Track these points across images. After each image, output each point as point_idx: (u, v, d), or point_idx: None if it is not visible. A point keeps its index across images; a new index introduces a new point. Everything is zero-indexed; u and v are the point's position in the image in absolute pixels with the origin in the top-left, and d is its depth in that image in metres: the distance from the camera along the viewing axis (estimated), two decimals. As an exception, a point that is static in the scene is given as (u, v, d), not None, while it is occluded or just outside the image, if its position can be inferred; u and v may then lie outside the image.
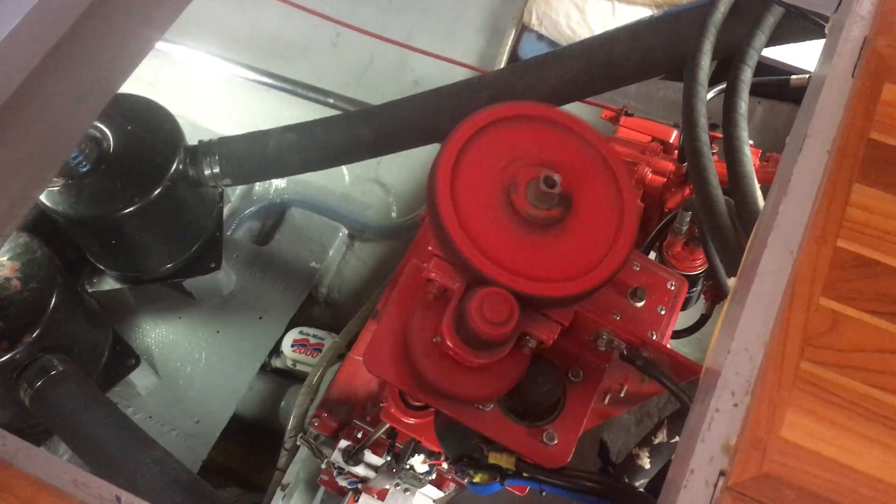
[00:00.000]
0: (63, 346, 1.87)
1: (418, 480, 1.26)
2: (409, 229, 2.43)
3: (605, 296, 1.04)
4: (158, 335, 2.29)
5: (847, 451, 0.69)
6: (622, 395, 1.10)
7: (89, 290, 2.20)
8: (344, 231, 2.47)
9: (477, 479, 1.10)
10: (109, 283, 2.21)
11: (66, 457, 2.07)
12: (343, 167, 2.52)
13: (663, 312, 1.07)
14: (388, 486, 1.74)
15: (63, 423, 1.72)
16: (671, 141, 1.75)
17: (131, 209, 1.89)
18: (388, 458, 1.31)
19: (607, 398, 1.11)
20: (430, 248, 0.96)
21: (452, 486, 1.83)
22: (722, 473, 0.70)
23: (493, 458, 1.01)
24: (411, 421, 1.22)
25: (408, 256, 1.24)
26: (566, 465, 1.01)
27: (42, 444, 2.00)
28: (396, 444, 1.35)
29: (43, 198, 1.88)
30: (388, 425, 1.37)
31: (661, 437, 1.04)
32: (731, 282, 0.96)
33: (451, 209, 0.90)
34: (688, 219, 1.51)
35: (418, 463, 1.25)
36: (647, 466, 1.06)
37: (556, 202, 0.93)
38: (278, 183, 2.56)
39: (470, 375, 0.96)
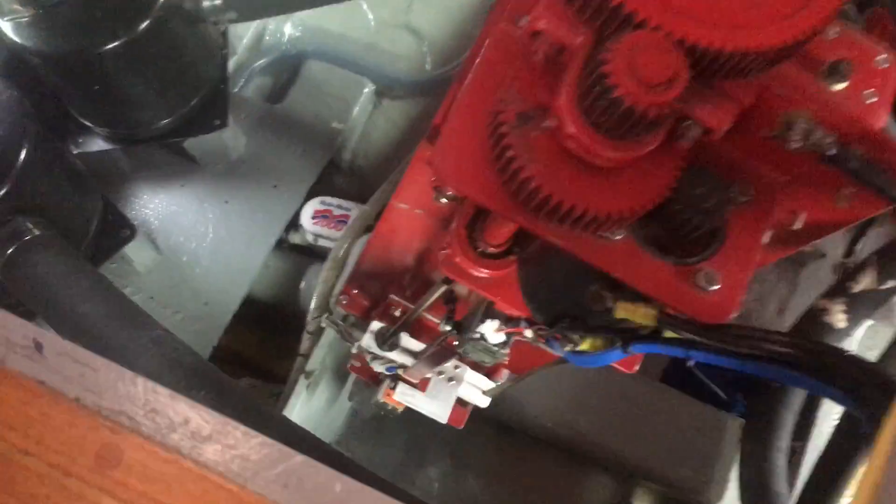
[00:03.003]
0: (40, 209, 1.56)
1: (491, 354, 0.95)
2: (446, 83, 2.07)
3: (789, 72, 0.70)
4: (158, 205, 1.97)
5: None
6: (795, 227, 0.77)
7: (75, 152, 1.87)
8: (370, 86, 2.10)
9: (585, 347, 0.79)
10: (98, 144, 1.88)
11: (55, 342, 1.80)
12: (368, 10, 2.14)
13: (874, 100, 0.73)
14: (429, 375, 1.45)
15: (39, 297, 1.42)
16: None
17: (114, 45, 1.57)
18: (448, 328, 1.00)
19: (769, 236, 0.78)
20: (534, -11, 0.62)
21: (506, 375, 1.55)
22: None
23: (624, 312, 0.69)
24: (483, 273, 0.90)
25: (483, 34, 0.88)
26: (728, 323, 0.69)
27: (24, 325, 1.71)
28: (455, 309, 1.04)
29: (10, 32, 1.55)
30: (444, 289, 1.06)
31: (864, 282, 0.72)
32: None
33: None
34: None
35: (491, 331, 0.94)
36: (842, 325, 0.73)
37: None
38: (292, 31, 2.18)
39: (598, 180, 0.63)
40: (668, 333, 0.69)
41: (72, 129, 1.88)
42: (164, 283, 1.90)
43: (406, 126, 2.09)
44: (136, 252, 1.85)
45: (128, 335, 1.36)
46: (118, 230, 1.81)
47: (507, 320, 0.93)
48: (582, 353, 0.79)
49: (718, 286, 0.68)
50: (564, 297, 0.80)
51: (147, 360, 1.31)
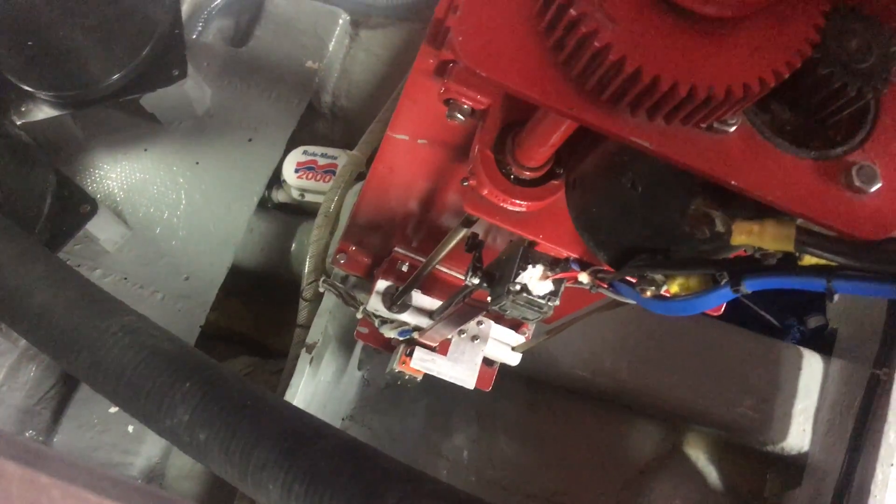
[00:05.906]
0: (-21, 191, 1.35)
1: (536, 308, 0.75)
2: (431, 5, 1.83)
3: None
4: (121, 175, 1.75)
5: None
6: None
7: (18, 123, 1.64)
8: (345, 16, 1.87)
9: (674, 289, 0.58)
10: (44, 111, 1.65)
11: (21, 343, 1.59)
12: (333, -71, 1.89)
13: None
14: (449, 336, 1.26)
15: (-13, 291, 1.21)
16: None
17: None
18: (476, 281, 0.80)
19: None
20: None
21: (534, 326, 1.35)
22: None
23: (744, 235, 0.48)
24: (519, 206, 0.69)
25: None
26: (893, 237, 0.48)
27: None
28: (481, 258, 0.83)
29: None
30: (464, 233, 0.85)
31: None
32: None
33: None
34: None
35: (535, 280, 0.73)
36: None
37: None
38: (249, -37, 1.94)
39: (708, 40, 0.41)
40: (808, 259, 0.49)
41: (12, 97, 1.65)
42: (138, 261, 1.69)
43: (389, 57, 1.86)
44: (101, 229, 1.63)
45: (94, 325, 1.15)
46: (77, 206, 1.59)
47: (554, 264, 0.72)
48: (669, 298, 0.59)
49: (879, 184, 0.47)
50: (639, 224, 0.59)
51: (120, 353, 1.11)
